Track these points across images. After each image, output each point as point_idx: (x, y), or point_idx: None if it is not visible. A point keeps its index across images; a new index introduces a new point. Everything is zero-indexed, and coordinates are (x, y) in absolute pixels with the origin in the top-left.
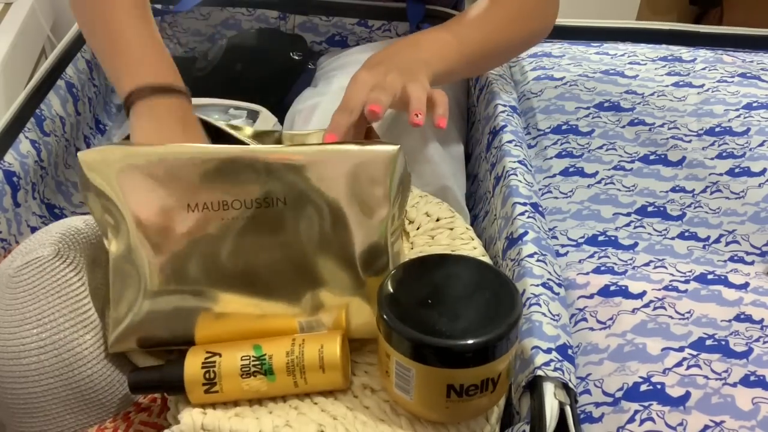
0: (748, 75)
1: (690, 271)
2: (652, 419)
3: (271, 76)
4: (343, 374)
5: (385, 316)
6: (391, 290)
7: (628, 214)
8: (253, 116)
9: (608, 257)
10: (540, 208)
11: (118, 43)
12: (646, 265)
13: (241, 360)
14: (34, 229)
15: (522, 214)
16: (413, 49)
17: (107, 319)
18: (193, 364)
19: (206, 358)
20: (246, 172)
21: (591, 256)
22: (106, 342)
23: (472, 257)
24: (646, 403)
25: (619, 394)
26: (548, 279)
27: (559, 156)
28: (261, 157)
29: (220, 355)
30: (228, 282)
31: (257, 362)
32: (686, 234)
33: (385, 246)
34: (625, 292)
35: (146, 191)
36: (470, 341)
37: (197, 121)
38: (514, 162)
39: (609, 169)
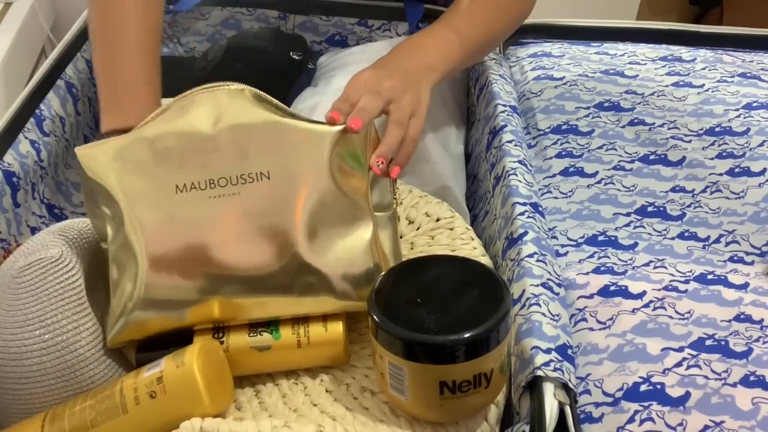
0: (748, 75)
1: (690, 272)
2: (651, 419)
3: (271, 76)
4: (344, 344)
5: (375, 317)
6: (381, 292)
7: (628, 214)
8: None
9: (608, 257)
10: (540, 208)
11: (113, 76)
12: (646, 265)
13: (250, 324)
14: (33, 230)
15: (522, 214)
16: (421, 54)
17: (107, 317)
18: (203, 330)
19: (215, 327)
20: (229, 152)
21: (591, 256)
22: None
23: (460, 256)
24: (645, 404)
25: (618, 395)
26: (548, 279)
27: (559, 156)
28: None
29: (229, 328)
30: (222, 257)
31: (264, 323)
32: (686, 234)
33: (367, 209)
34: (624, 292)
35: (137, 176)
36: (458, 336)
37: None
38: (514, 162)
39: (609, 169)
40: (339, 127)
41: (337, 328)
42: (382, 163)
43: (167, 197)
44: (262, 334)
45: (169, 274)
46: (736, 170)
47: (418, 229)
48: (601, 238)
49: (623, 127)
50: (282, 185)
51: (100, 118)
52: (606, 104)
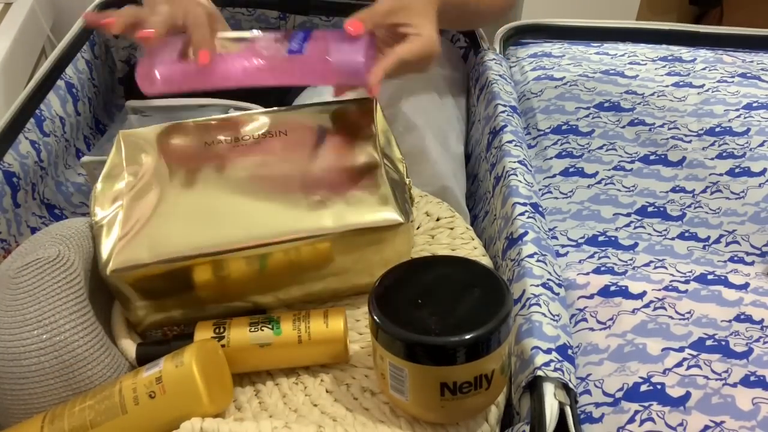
0: (748, 75)
1: (690, 272)
2: (652, 419)
3: None
4: (345, 341)
5: (376, 318)
6: (382, 292)
7: (628, 215)
8: None
9: (608, 257)
10: (540, 208)
11: None
12: (646, 265)
13: (251, 319)
14: (34, 230)
15: (522, 214)
16: None
17: (110, 249)
18: (203, 325)
19: (216, 321)
20: (253, 121)
21: (591, 257)
22: (107, 343)
23: (461, 257)
24: (646, 404)
25: (619, 395)
26: (548, 279)
27: (559, 156)
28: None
29: (230, 319)
30: (236, 190)
31: (265, 319)
32: (686, 234)
33: (378, 163)
34: (625, 293)
35: (174, 136)
36: (459, 338)
37: None
38: (514, 162)
39: (609, 170)
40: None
41: (338, 324)
42: (354, 26)
43: (195, 147)
44: (263, 330)
45: (190, 195)
46: (737, 170)
47: (418, 228)
48: (601, 238)
49: (623, 127)
50: (297, 138)
51: None
52: (606, 104)
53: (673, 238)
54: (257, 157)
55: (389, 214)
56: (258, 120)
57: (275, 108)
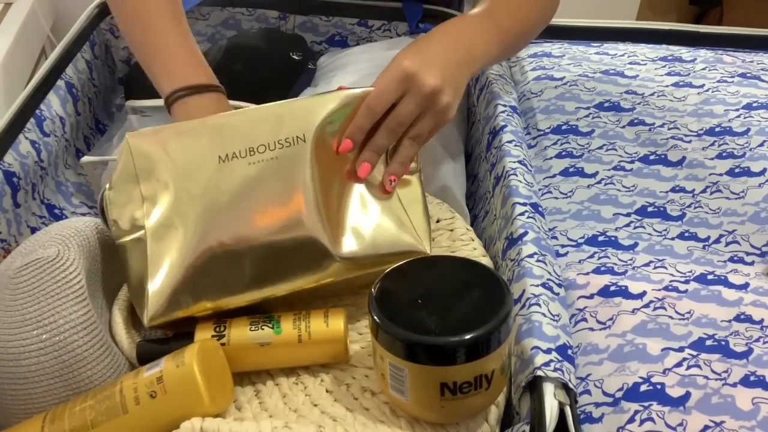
0: (748, 75)
1: (690, 272)
2: (652, 419)
3: (271, 76)
4: (345, 341)
5: (376, 318)
6: (382, 293)
7: (628, 215)
8: None
9: (608, 257)
10: (540, 208)
11: (155, 47)
12: (646, 265)
13: (251, 318)
14: (34, 230)
15: (522, 214)
16: (462, 45)
17: (143, 300)
18: (204, 324)
19: (216, 320)
20: (267, 121)
21: (591, 257)
22: (107, 342)
23: (461, 257)
24: (646, 404)
25: (619, 395)
26: (548, 279)
27: (559, 156)
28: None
29: (230, 318)
30: (256, 228)
31: (265, 318)
32: (686, 234)
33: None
34: (625, 293)
35: (187, 150)
36: (459, 337)
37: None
38: (514, 162)
39: (609, 170)
40: (370, 89)
41: (338, 324)
42: (395, 181)
43: (211, 168)
44: (263, 329)
45: (215, 242)
46: (736, 170)
47: None
48: (601, 238)
49: (623, 127)
50: (317, 147)
51: (158, 87)
52: (606, 104)
53: (673, 238)
54: (275, 179)
55: (414, 245)
56: (271, 120)
57: (285, 101)
